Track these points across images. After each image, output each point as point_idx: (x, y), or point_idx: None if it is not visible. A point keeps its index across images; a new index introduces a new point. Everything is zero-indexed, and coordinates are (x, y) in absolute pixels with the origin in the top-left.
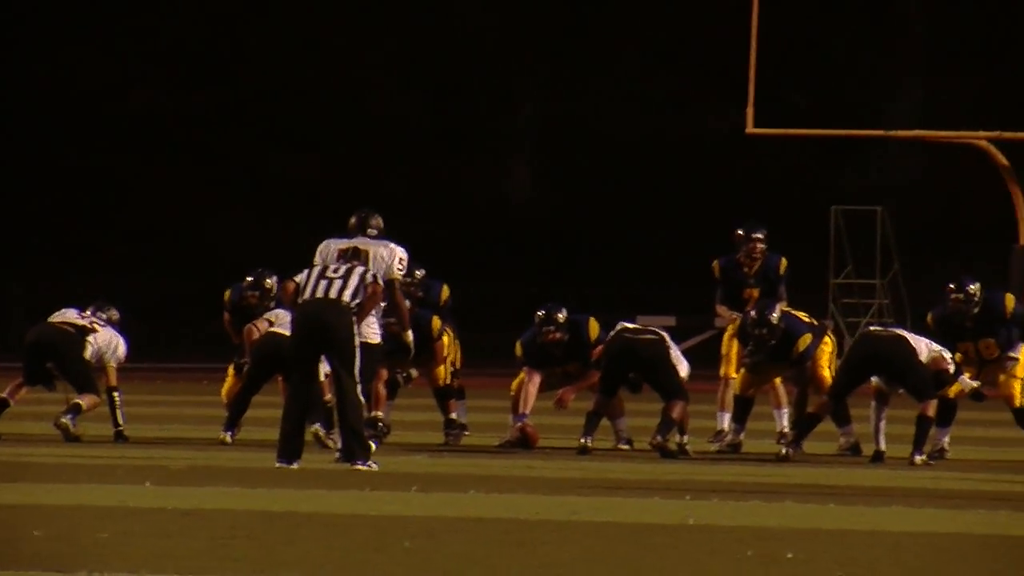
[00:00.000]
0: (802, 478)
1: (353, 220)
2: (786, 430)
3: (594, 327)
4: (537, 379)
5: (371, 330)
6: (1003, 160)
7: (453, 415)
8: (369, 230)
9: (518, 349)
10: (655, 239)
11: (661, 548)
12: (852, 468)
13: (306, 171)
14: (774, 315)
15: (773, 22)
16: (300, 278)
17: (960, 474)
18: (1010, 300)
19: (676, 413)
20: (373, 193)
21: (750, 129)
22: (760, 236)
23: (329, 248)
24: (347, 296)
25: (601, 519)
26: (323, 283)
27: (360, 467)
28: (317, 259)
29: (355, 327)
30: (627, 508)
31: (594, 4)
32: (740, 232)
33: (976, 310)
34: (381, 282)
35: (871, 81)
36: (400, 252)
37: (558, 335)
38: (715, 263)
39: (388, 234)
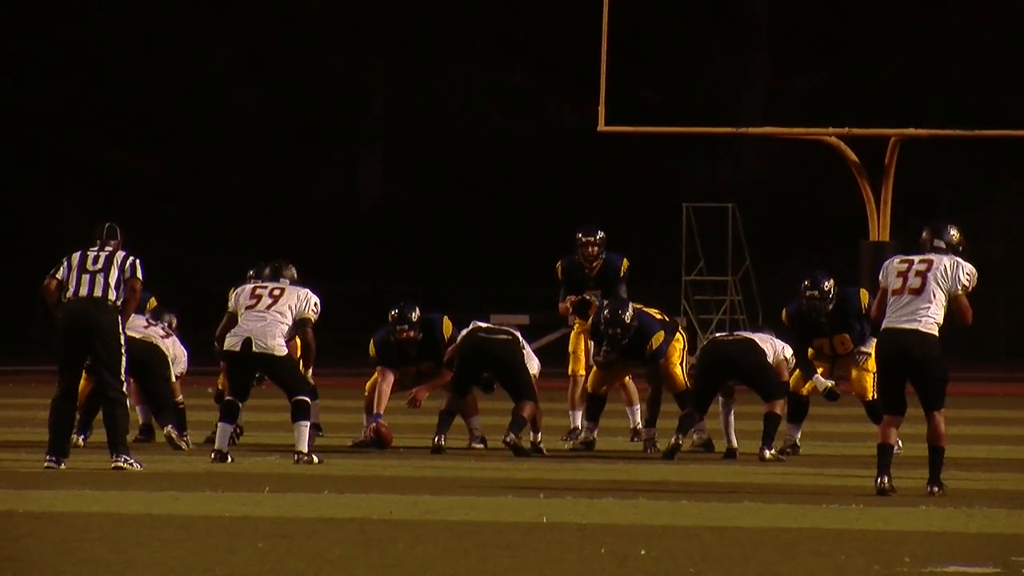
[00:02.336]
0: (655, 475)
1: (268, 270)
2: (639, 427)
3: (447, 326)
4: (391, 378)
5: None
6: (852, 156)
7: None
8: (282, 279)
9: (371, 348)
10: (508, 237)
11: (515, 546)
12: (704, 465)
13: (152, 169)
14: (627, 314)
15: (624, 19)
16: (61, 274)
17: (811, 469)
18: (864, 295)
19: (527, 412)
20: (222, 191)
21: (602, 127)
22: (592, 239)
23: (244, 290)
24: (112, 295)
25: (455, 518)
26: (86, 278)
27: (123, 464)
28: (231, 304)
29: (120, 325)
30: (481, 507)
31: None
32: (577, 234)
33: (831, 306)
34: (140, 275)
35: (721, 78)
36: (315, 298)
37: (412, 333)
38: (558, 263)
39: (234, 231)
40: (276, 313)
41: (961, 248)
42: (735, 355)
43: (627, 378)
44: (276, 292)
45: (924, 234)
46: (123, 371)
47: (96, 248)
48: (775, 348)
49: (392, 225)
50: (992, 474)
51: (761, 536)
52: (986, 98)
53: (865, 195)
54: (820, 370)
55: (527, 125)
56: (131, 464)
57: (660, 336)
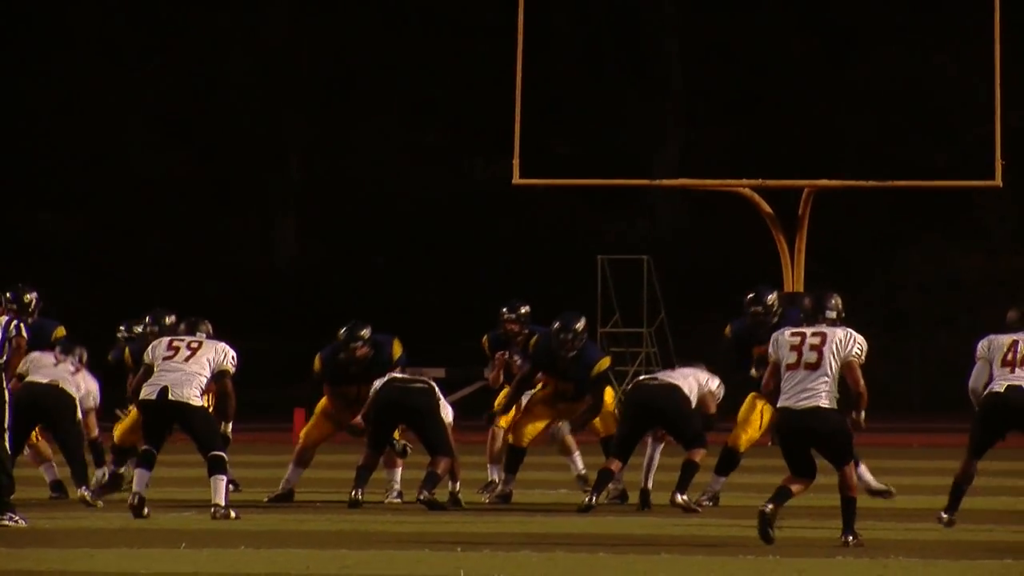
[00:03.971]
0: (572, 527)
1: (183, 326)
2: (582, 472)
3: (397, 347)
4: (324, 430)
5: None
6: (766, 208)
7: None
8: (198, 333)
9: (317, 363)
10: (425, 291)
11: None
12: (621, 516)
13: (69, 229)
14: (579, 324)
15: (537, 73)
16: None
17: (728, 521)
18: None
19: (441, 468)
20: (140, 252)
21: (517, 180)
22: (513, 316)
23: (161, 343)
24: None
25: (372, 572)
26: None
27: (6, 522)
28: (147, 357)
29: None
30: (399, 561)
31: (357, 58)
32: (502, 311)
33: (775, 320)
34: (25, 333)
35: (635, 131)
36: (232, 352)
37: (365, 349)
38: (484, 338)
39: (152, 292)
40: (194, 365)
41: (842, 317)
42: (659, 401)
43: (565, 434)
44: (194, 345)
45: (809, 305)
46: (4, 424)
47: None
48: (699, 382)
49: (308, 283)
50: (909, 524)
51: None
52: (900, 150)
53: (779, 246)
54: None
55: (442, 181)
56: (15, 521)
57: (606, 362)
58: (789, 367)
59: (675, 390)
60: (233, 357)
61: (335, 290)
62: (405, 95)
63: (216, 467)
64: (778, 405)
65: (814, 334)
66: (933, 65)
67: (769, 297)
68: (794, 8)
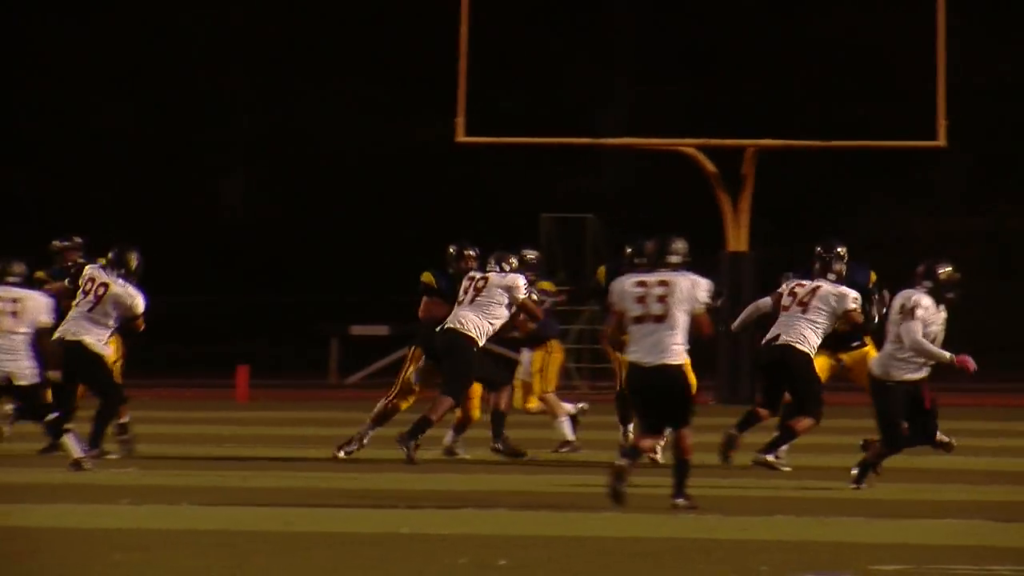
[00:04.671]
0: (515, 485)
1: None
2: (569, 437)
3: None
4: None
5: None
6: (710, 167)
7: (125, 419)
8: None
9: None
10: (372, 249)
11: (375, 558)
12: (565, 475)
13: (15, 182)
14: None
15: (483, 30)
16: None
17: (669, 480)
18: (872, 276)
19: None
20: (88, 206)
21: (461, 138)
22: (473, 253)
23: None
24: None
25: (316, 530)
26: None
27: None
28: None
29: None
30: (341, 518)
31: (303, 14)
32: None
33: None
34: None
35: (581, 90)
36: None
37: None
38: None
39: (100, 246)
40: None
41: (688, 262)
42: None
43: (550, 393)
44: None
45: (651, 248)
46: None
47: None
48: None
49: (255, 238)
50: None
51: (621, 546)
52: (846, 110)
53: (723, 206)
54: None
55: (388, 136)
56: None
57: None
58: (636, 319)
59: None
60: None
61: (283, 245)
62: (352, 51)
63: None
64: (628, 360)
65: (659, 283)
66: (877, 25)
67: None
68: None
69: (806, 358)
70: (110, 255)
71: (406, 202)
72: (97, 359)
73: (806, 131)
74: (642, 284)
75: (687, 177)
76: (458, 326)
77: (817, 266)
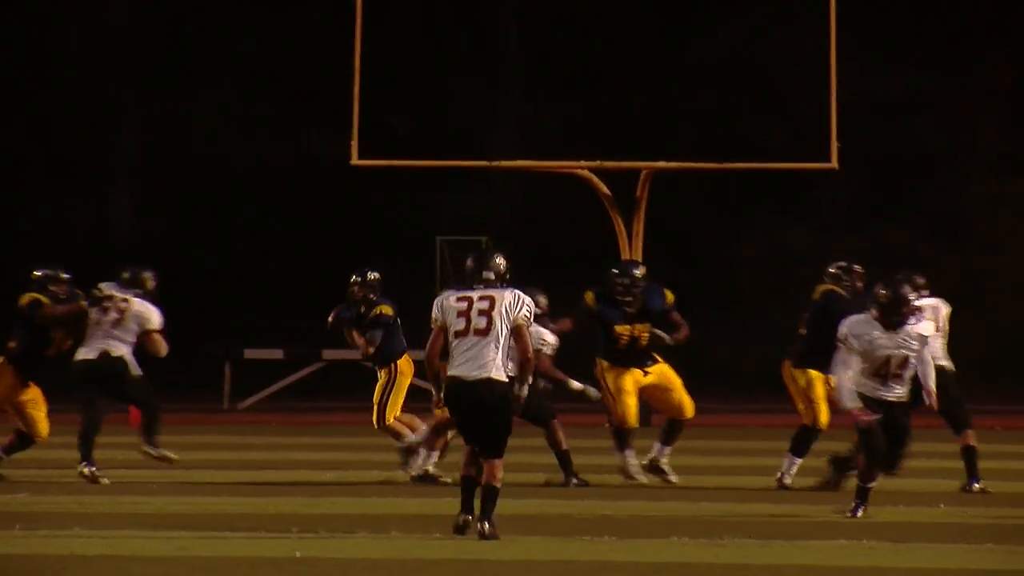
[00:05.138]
0: (407, 509)
1: None
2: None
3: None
4: None
5: None
6: (604, 189)
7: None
8: None
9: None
10: (262, 270)
11: None
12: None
13: None
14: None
15: (377, 52)
16: None
17: (566, 502)
18: (669, 295)
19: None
20: None
21: (355, 160)
22: (358, 280)
23: None
24: None
25: (209, 554)
26: None
27: None
28: None
29: None
30: (235, 544)
31: (194, 28)
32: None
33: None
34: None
35: (472, 110)
36: None
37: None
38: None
39: None
40: None
41: (508, 277)
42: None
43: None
44: None
45: (470, 265)
46: None
47: None
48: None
49: (145, 258)
50: (744, 505)
51: (514, 569)
52: (736, 130)
53: (617, 227)
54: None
55: (280, 157)
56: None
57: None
58: (459, 333)
59: None
60: None
61: (173, 265)
62: (243, 67)
63: None
64: (449, 374)
65: (481, 298)
66: (769, 44)
67: (636, 271)
68: None
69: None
70: (126, 275)
71: (300, 224)
72: (133, 372)
73: (699, 153)
74: (465, 299)
75: (580, 197)
76: None
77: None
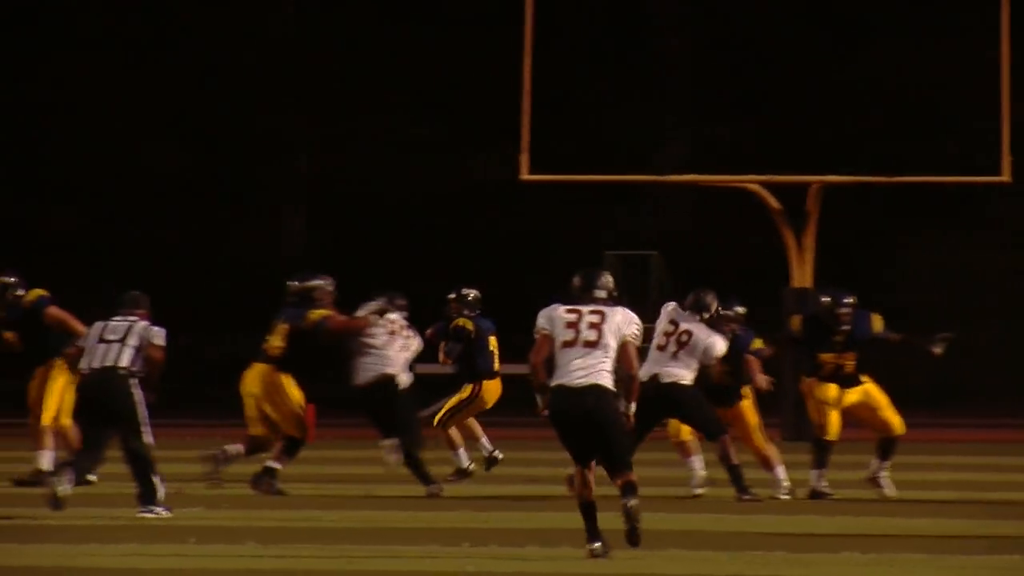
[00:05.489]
0: (578, 523)
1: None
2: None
3: None
4: None
5: None
6: (774, 203)
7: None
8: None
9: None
10: (432, 288)
11: None
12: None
13: (77, 225)
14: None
15: (543, 67)
16: (83, 343)
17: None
18: (877, 321)
19: None
20: (147, 247)
21: (525, 176)
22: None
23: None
24: (124, 362)
25: (381, 568)
26: (101, 348)
27: (147, 514)
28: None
29: (130, 387)
30: (407, 559)
31: (364, 52)
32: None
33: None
34: (160, 342)
35: (642, 127)
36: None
37: None
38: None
39: (161, 286)
40: None
41: (616, 295)
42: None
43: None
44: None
45: (578, 282)
46: (143, 426)
47: (119, 318)
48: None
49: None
50: (913, 521)
51: None
52: (908, 145)
53: (787, 242)
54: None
55: (448, 176)
56: (158, 513)
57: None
58: (566, 344)
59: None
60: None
61: (341, 285)
62: (412, 90)
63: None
64: (555, 384)
65: (592, 312)
66: (939, 58)
67: (848, 299)
68: (800, 2)
69: None
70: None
71: (467, 241)
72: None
73: (870, 167)
74: (575, 311)
75: (746, 214)
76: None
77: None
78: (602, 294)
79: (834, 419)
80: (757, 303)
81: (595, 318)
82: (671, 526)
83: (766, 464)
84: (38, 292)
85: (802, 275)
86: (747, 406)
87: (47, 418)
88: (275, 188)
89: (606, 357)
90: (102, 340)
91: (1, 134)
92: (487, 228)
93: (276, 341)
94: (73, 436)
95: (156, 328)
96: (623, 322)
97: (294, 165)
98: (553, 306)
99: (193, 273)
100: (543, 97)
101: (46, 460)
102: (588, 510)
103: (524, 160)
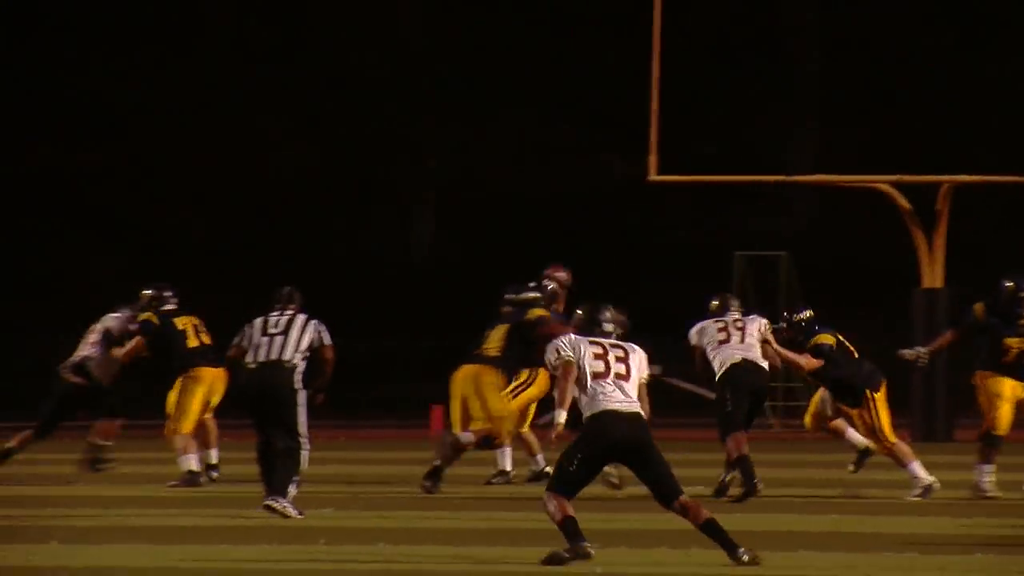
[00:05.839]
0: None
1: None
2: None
3: None
4: None
5: None
6: (904, 203)
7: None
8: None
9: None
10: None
11: None
12: (766, 513)
13: (208, 228)
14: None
15: (673, 69)
16: (244, 341)
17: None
18: None
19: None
20: (277, 249)
21: (653, 176)
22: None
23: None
24: (288, 355)
25: (507, 570)
26: (265, 341)
27: (275, 505)
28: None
29: (295, 383)
30: (533, 558)
31: (493, 53)
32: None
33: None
34: (328, 341)
35: (771, 127)
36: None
37: None
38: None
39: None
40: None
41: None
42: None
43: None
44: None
45: (583, 315)
46: (301, 425)
47: (276, 312)
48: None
49: (445, 279)
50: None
51: None
52: None
53: (917, 242)
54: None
55: (576, 177)
56: (284, 507)
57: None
58: (597, 375)
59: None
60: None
61: (472, 289)
62: (542, 91)
63: None
64: (600, 410)
65: (614, 346)
66: None
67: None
68: (930, 1)
69: None
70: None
71: (597, 241)
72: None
73: (1001, 166)
74: (599, 344)
75: (875, 214)
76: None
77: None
78: (610, 327)
79: (1005, 413)
80: (887, 304)
81: (620, 353)
82: (803, 526)
83: (899, 462)
84: (185, 319)
85: (932, 275)
86: (876, 402)
87: (187, 426)
88: (405, 189)
89: (635, 391)
90: (265, 334)
91: (135, 138)
92: (615, 229)
93: (494, 343)
94: (211, 435)
95: (318, 324)
96: (643, 362)
97: (424, 166)
98: (568, 335)
99: (322, 274)
100: (672, 98)
101: (192, 462)
102: (573, 523)
103: (652, 161)
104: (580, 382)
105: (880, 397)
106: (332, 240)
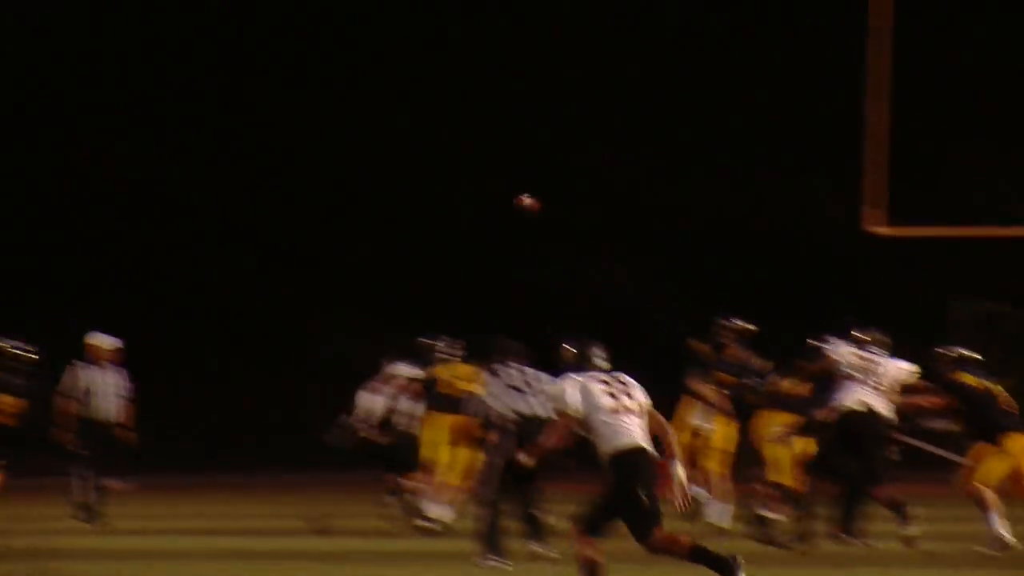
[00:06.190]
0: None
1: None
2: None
3: None
4: None
5: None
6: None
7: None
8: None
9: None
10: (770, 335)
11: None
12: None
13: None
14: None
15: (899, 119)
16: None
17: None
18: None
19: None
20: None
21: (869, 227)
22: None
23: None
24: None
25: None
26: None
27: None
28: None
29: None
30: None
31: (717, 97)
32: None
33: None
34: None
35: (995, 180)
36: None
37: None
38: None
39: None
40: None
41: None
42: None
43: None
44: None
45: (575, 352)
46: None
47: (514, 366)
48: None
49: (642, 321)
50: None
51: None
52: None
53: None
54: None
55: (792, 220)
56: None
57: None
58: (611, 411)
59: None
60: None
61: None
62: (746, 128)
63: None
64: (624, 446)
65: (616, 380)
66: None
67: None
68: None
69: None
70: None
71: (809, 288)
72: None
73: None
74: (604, 381)
75: None
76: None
77: None
78: (602, 362)
79: None
80: None
81: (622, 387)
82: None
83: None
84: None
85: None
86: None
87: (447, 475)
88: (595, 225)
89: (645, 422)
90: (516, 388)
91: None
92: (828, 274)
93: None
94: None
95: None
96: (642, 392)
97: (624, 202)
98: (574, 377)
99: (484, 304)
100: (895, 145)
101: (436, 510)
102: (704, 550)
103: (869, 212)
104: (590, 421)
105: None
106: (476, 263)
